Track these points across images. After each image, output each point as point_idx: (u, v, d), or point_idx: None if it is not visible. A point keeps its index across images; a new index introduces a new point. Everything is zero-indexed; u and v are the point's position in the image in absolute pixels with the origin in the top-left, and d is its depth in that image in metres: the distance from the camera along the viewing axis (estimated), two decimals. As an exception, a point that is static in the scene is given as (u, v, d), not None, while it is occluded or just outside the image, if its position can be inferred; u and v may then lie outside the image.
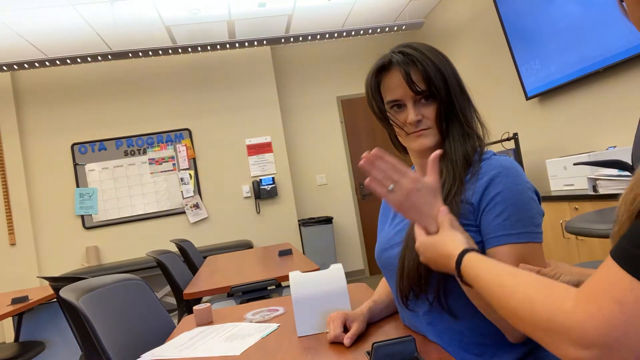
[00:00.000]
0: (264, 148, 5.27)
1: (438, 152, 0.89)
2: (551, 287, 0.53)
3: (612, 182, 2.40)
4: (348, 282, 1.13)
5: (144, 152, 5.08)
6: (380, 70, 1.03)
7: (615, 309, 0.43)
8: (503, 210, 0.88)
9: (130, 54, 4.33)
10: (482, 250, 0.92)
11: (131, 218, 5.00)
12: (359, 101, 5.55)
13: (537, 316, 0.51)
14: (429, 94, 0.99)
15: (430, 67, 0.97)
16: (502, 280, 0.61)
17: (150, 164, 5.08)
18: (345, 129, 5.59)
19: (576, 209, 2.64)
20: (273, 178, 5.20)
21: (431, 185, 0.85)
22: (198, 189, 5.14)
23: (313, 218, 5.24)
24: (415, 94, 0.99)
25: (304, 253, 4.96)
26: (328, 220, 5.14)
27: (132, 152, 5.07)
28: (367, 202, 5.61)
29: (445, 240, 0.77)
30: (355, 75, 5.54)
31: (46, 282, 3.49)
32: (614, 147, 2.85)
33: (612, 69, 2.88)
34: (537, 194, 0.94)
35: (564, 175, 2.98)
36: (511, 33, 3.70)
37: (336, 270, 1.12)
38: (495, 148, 3.78)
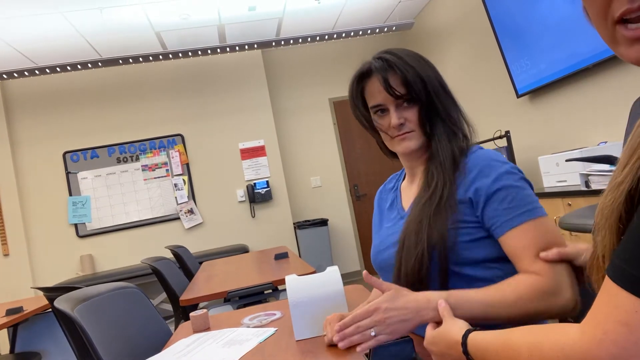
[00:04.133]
0: (258, 152, 5.27)
1: (364, 275, 0.92)
2: (554, 327, 0.53)
3: (604, 178, 2.41)
4: (345, 283, 1.13)
5: (137, 159, 5.06)
6: (362, 78, 1.06)
7: (622, 331, 0.42)
8: (504, 198, 0.91)
9: (120, 61, 4.31)
10: (489, 245, 0.94)
11: (125, 225, 4.97)
12: (351, 103, 5.55)
13: (548, 357, 0.51)
14: (409, 97, 1.01)
15: (408, 71, 1.00)
16: (506, 341, 0.61)
17: (143, 170, 5.06)
18: (338, 130, 5.59)
19: (569, 204, 2.66)
20: (267, 181, 5.19)
21: (389, 297, 0.87)
22: (192, 195, 5.12)
23: (308, 220, 5.24)
24: (395, 98, 1.01)
25: (300, 256, 4.95)
26: (323, 223, 5.14)
27: (125, 159, 5.04)
28: (362, 203, 5.61)
29: (447, 329, 0.77)
30: (347, 76, 5.42)
31: (41, 292, 3.46)
32: (605, 142, 2.87)
33: (601, 65, 2.90)
34: (520, 171, 0.97)
35: (556, 171, 3.00)
36: (500, 32, 3.72)
37: (332, 273, 1.12)
38: (488, 146, 3.80)
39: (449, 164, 0.99)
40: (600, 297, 0.46)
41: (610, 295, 0.44)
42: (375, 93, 1.04)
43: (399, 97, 1.00)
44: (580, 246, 0.87)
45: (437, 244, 0.93)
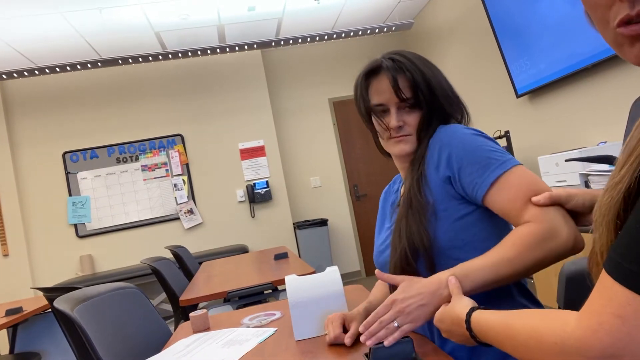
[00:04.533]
0: (257, 152, 5.27)
1: (376, 273, 0.95)
2: (553, 314, 0.55)
3: (603, 178, 2.42)
4: (344, 283, 1.13)
5: (137, 159, 5.06)
6: (370, 74, 1.06)
7: (616, 322, 0.44)
8: (474, 160, 0.92)
9: (120, 61, 4.31)
10: (472, 222, 0.95)
11: (125, 225, 4.97)
12: (351, 103, 5.55)
13: (545, 342, 0.53)
14: (414, 102, 1.02)
15: (418, 76, 1.01)
16: (507, 323, 0.63)
17: (143, 170, 5.06)
18: (338, 130, 5.59)
19: (569, 204, 2.66)
20: (267, 182, 5.19)
21: (402, 288, 0.88)
22: (192, 195, 5.12)
23: (308, 220, 5.24)
24: (400, 100, 1.01)
25: (299, 256, 4.95)
26: (323, 223, 5.14)
27: (125, 159, 5.04)
28: (362, 203, 5.61)
29: (453, 306, 0.80)
30: (346, 76, 5.55)
31: (40, 293, 3.46)
32: (605, 142, 2.87)
33: (600, 65, 2.90)
34: (482, 133, 0.98)
35: (556, 171, 3.00)
36: (500, 32, 3.72)
37: (332, 273, 1.12)
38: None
39: (419, 158, 1.02)
40: (596, 289, 0.48)
41: (605, 288, 0.46)
42: (380, 92, 1.04)
43: (404, 99, 1.01)
44: (570, 190, 0.88)
45: (416, 241, 0.95)
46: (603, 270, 0.47)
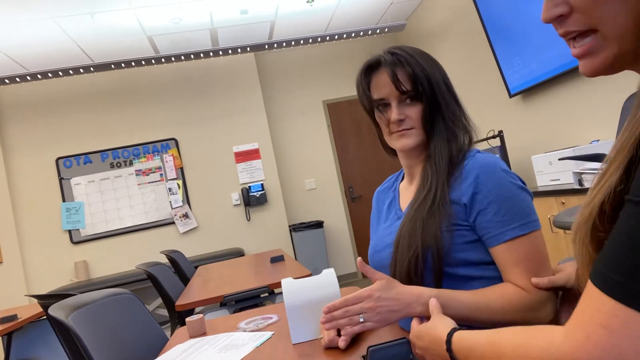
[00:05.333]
0: (252, 155, 5.26)
1: (358, 261, 0.96)
2: (538, 330, 0.55)
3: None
4: (341, 285, 1.13)
5: (131, 164, 5.04)
6: (370, 70, 1.06)
7: (603, 334, 0.43)
8: (498, 209, 0.91)
9: (112, 66, 4.29)
10: (483, 247, 0.94)
11: (120, 231, 4.94)
12: (345, 104, 5.56)
13: (533, 359, 0.52)
14: (414, 94, 1.01)
15: (417, 69, 1.00)
16: (492, 341, 0.62)
17: (137, 175, 5.04)
18: (332, 132, 5.60)
19: (563, 203, 2.67)
20: (262, 184, 5.18)
21: (382, 286, 0.88)
22: (187, 199, 5.10)
23: (304, 223, 5.23)
24: (400, 93, 1.01)
25: (295, 258, 4.94)
26: (319, 225, 5.14)
27: (119, 164, 5.02)
28: (357, 204, 5.61)
29: (434, 325, 0.79)
30: (340, 78, 5.56)
31: (35, 300, 3.44)
32: (597, 140, 2.89)
33: (591, 64, 2.92)
34: (520, 180, 0.97)
35: (549, 170, 3.01)
36: (492, 32, 3.74)
37: (328, 275, 1.12)
38: (481, 146, 3.81)
39: (444, 165, 0.99)
40: (583, 301, 0.47)
41: (592, 300, 0.45)
42: (380, 86, 1.03)
43: (404, 92, 1.00)
44: (569, 270, 0.89)
45: (431, 246, 0.93)
46: (589, 282, 0.47)
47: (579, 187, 2.57)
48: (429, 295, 0.87)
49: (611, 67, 0.50)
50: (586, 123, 3.13)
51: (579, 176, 2.56)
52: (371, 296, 0.86)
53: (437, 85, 1.01)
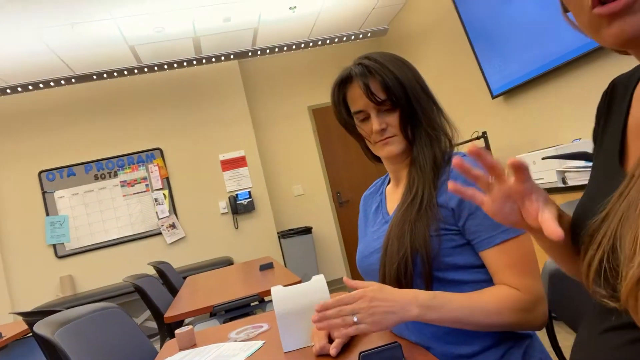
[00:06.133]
0: (238, 162, 5.24)
1: (344, 280, 0.93)
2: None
3: (579, 174, 2.47)
4: (331, 291, 1.13)
5: (115, 175, 4.97)
6: (343, 84, 1.06)
7: None
8: (485, 216, 0.90)
9: (94, 76, 4.25)
10: (471, 251, 0.95)
11: (105, 243, 4.87)
12: (330, 110, 5.52)
13: None
14: (390, 102, 1.01)
15: (388, 77, 0.99)
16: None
17: (122, 186, 4.98)
18: (319, 137, 5.60)
19: (548, 201, 2.70)
20: (249, 192, 5.16)
21: (380, 288, 0.87)
22: (173, 209, 5.05)
23: (292, 229, 5.22)
24: (375, 104, 1.00)
25: (285, 265, 4.92)
26: (307, 231, 5.13)
27: (103, 176, 4.95)
28: (345, 209, 5.62)
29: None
30: (324, 84, 5.57)
31: (20, 317, 3.36)
32: (579, 139, 2.93)
33: (571, 64, 2.97)
34: None
35: (533, 169, 3.05)
36: (473, 34, 3.79)
37: (318, 282, 1.11)
38: (466, 148, 3.83)
39: (429, 168, 1.00)
40: None
41: None
42: (357, 99, 1.04)
43: (379, 102, 1.00)
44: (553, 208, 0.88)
45: (420, 249, 0.93)
46: None
47: (562, 185, 2.61)
48: (425, 297, 0.86)
49: None
50: (568, 122, 3.18)
51: (562, 175, 2.60)
52: (365, 297, 0.85)
53: (412, 89, 1.01)
